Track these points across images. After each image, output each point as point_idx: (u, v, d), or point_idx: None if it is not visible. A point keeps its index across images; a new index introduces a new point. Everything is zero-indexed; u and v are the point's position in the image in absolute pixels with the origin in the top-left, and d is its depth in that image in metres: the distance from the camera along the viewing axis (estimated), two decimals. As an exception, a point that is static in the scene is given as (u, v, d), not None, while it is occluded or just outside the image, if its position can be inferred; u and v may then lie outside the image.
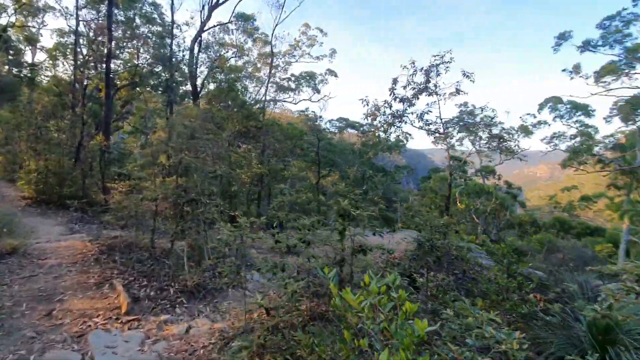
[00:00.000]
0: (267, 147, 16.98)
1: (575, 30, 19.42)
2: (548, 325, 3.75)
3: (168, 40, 17.95)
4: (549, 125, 24.09)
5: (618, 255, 23.47)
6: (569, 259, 11.04)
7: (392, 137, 14.16)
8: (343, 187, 4.80)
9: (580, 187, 32.91)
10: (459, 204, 22.99)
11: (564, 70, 20.94)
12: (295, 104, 31.56)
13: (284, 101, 31.86)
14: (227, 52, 23.23)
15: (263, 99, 23.21)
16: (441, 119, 14.74)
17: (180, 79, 20.37)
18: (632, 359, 2.73)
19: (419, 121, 13.55)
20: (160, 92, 21.09)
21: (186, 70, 19.48)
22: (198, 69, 19.78)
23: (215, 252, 6.47)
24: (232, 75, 21.13)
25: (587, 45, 19.08)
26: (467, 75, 12.94)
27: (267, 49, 28.26)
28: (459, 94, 13.24)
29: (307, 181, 22.82)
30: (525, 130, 24.39)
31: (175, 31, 18.48)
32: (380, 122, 13.55)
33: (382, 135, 14.26)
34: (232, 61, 23.76)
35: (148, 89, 21.37)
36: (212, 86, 21.30)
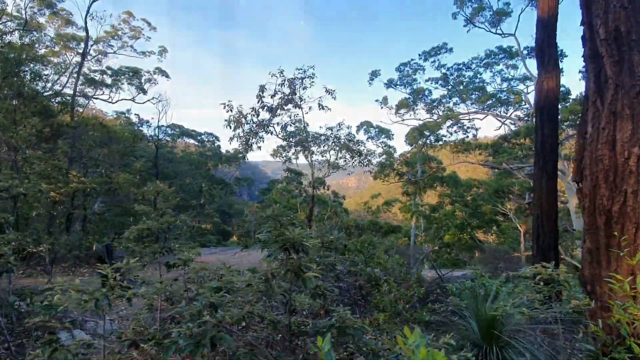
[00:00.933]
0: (82, 154, 12.98)
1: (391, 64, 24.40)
2: (444, 326, 4.13)
3: None
4: (365, 144, 29.24)
5: (410, 245, 30.94)
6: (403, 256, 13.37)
7: (255, 147, 13.57)
8: (279, 209, 3.85)
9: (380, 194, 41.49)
10: (299, 213, 24.45)
11: (376, 100, 25.84)
12: (112, 102, 26.16)
13: (97, 98, 25.88)
14: (7, 23, 16.85)
15: (71, 92, 18.02)
16: (306, 132, 15.20)
17: None
18: (522, 346, 3.27)
19: (282, 132, 13.49)
20: None
21: None
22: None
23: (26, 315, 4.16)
24: (14, 55, 15.31)
25: (390, 83, 24.22)
26: (329, 92, 13.81)
27: (70, 30, 22.37)
28: (322, 108, 13.91)
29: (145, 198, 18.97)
30: (348, 147, 28.80)
31: None
32: (244, 130, 12.64)
33: (243, 144, 13.35)
34: (17, 37, 17.40)
35: None
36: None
